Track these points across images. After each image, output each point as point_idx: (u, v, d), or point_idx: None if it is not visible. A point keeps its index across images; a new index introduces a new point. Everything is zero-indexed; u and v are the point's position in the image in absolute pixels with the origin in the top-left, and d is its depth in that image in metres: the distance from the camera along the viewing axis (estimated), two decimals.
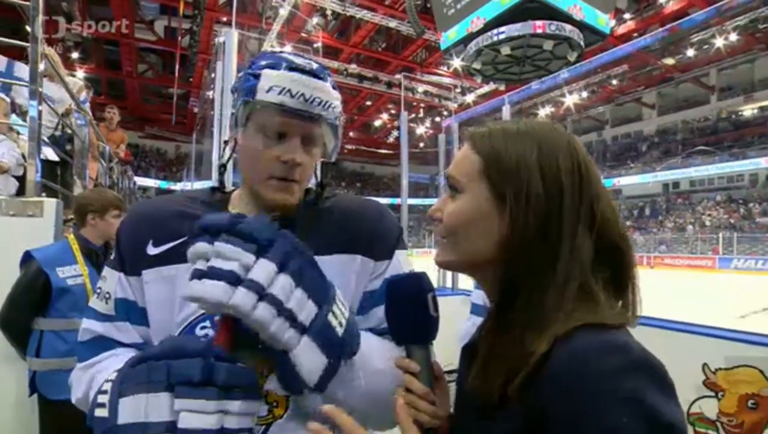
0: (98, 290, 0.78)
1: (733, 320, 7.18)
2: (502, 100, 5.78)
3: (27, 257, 1.91)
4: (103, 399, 0.61)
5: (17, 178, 2.80)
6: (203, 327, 0.71)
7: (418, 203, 30.69)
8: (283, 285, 0.59)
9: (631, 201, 29.70)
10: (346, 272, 0.76)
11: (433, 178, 28.73)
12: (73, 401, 0.75)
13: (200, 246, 0.61)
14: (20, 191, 2.61)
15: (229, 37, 3.29)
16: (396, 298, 0.64)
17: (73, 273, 1.94)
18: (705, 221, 24.77)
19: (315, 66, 0.74)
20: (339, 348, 0.63)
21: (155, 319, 0.73)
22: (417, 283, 0.63)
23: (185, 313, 0.71)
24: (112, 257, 0.80)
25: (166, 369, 0.57)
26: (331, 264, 0.72)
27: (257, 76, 0.71)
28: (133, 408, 0.57)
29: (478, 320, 0.72)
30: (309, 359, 0.60)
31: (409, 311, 0.62)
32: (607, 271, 0.54)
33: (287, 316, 0.59)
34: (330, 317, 0.62)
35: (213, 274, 0.58)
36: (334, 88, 0.75)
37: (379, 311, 0.74)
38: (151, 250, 0.73)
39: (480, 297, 1.78)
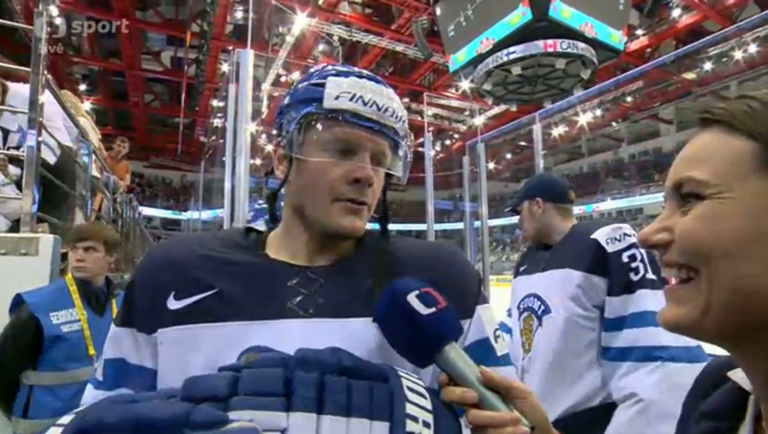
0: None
1: None
2: (526, 119, 5.63)
3: (17, 301, 1.70)
4: None
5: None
6: None
7: (441, 229, 30.07)
8: None
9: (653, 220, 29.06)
10: None
11: (455, 203, 28.36)
12: None
13: None
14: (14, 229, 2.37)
15: (245, 56, 3.09)
16: (384, 324, 0.55)
17: (69, 319, 1.73)
18: None
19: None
20: None
21: (166, 387, 0.59)
22: (390, 294, 0.54)
23: None
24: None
25: None
26: None
27: (321, 85, 0.62)
28: None
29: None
30: None
31: (401, 328, 0.53)
32: None
33: None
34: (409, 424, 0.47)
35: None
36: None
37: None
38: (172, 304, 0.61)
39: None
